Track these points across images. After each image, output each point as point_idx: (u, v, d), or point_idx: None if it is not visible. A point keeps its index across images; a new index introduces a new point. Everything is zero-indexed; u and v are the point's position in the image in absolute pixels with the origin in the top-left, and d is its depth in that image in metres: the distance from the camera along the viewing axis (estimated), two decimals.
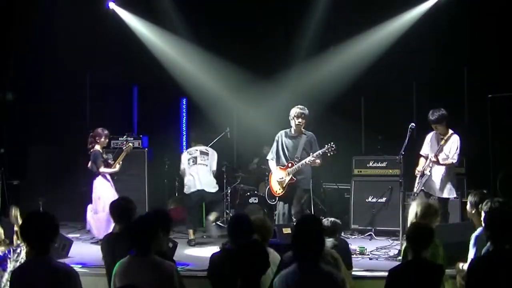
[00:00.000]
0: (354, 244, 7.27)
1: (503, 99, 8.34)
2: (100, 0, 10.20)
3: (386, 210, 8.53)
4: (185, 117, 11.15)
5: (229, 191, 9.30)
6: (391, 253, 7.20)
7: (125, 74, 10.60)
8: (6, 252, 5.11)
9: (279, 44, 10.21)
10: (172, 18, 10.17)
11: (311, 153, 7.39)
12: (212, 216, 8.30)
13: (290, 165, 7.47)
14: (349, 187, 9.19)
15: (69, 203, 9.52)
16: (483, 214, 4.58)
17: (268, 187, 8.19)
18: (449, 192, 7.19)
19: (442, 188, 7.17)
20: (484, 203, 4.72)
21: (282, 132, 7.67)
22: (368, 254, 7.13)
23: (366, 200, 8.87)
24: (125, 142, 8.35)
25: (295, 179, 7.43)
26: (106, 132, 8.10)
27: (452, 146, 7.13)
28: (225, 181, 9.29)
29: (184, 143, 10.91)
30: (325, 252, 4.04)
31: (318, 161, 7.37)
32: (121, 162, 8.04)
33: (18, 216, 5.75)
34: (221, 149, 9.01)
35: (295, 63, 10.09)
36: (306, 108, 7.48)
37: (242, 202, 9.02)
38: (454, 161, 7.13)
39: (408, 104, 10.21)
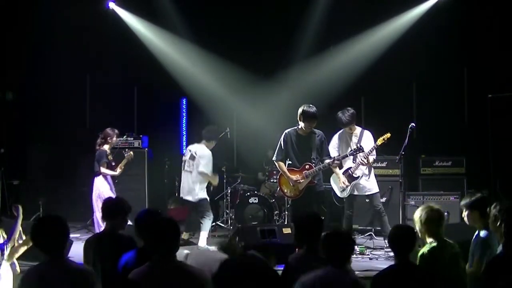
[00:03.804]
0: None
1: (503, 99, 8.34)
2: (100, 0, 10.20)
3: (386, 210, 8.45)
4: (185, 117, 11.14)
5: (229, 191, 9.29)
6: (391, 253, 7.18)
7: (125, 74, 10.61)
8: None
9: (279, 44, 10.20)
10: (172, 18, 10.18)
11: (325, 154, 7.03)
12: (184, 236, 7.84)
13: (307, 167, 6.94)
14: None
15: (69, 203, 9.51)
16: (491, 217, 4.43)
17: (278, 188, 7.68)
18: (375, 187, 7.37)
19: (369, 185, 7.34)
20: (492, 206, 4.62)
21: (290, 131, 7.09)
22: (368, 254, 7.13)
23: (366, 200, 8.86)
24: (126, 150, 8.17)
25: (315, 182, 7.03)
26: (116, 131, 8.06)
27: (368, 142, 7.24)
28: (225, 181, 9.28)
29: (184, 143, 10.89)
30: None
31: (338, 162, 7.09)
32: (123, 167, 7.99)
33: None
34: (221, 149, 8.99)
35: (295, 63, 10.10)
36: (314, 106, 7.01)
37: (242, 202, 9.00)
38: (374, 156, 7.29)
39: (408, 104, 10.22)
